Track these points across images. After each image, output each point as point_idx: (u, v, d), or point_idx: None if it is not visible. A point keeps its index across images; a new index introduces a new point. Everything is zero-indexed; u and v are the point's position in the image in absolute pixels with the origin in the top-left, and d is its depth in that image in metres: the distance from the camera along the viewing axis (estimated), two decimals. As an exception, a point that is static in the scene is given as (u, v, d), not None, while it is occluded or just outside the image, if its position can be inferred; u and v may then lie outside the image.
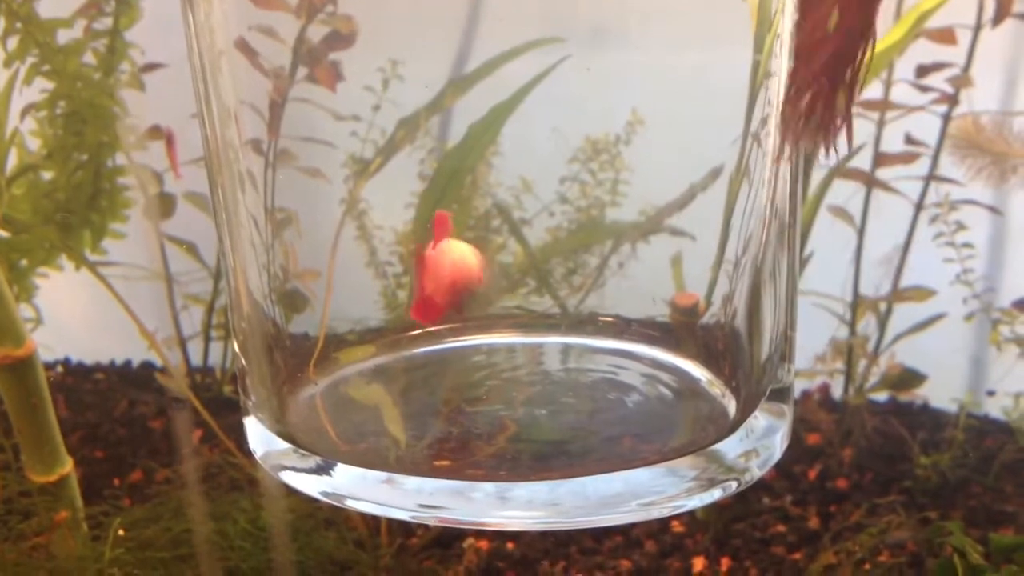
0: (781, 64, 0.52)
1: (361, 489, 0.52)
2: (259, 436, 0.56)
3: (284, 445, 0.55)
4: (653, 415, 0.55)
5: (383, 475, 0.52)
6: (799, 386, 1.05)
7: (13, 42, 0.84)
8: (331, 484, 0.53)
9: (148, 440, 1.01)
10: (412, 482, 0.52)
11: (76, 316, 1.09)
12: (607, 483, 0.50)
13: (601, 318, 0.59)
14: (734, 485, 0.51)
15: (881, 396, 1.06)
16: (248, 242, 0.56)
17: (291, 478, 0.54)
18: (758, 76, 0.52)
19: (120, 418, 1.04)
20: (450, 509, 0.51)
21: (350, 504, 0.52)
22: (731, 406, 0.53)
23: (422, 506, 0.51)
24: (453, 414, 0.56)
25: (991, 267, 1.06)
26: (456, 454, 0.53)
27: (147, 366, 1.14)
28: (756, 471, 0.52)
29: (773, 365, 0.53)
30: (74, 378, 1.12)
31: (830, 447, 0.99)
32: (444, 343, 0.59)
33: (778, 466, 0.99)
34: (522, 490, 0.51)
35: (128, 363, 1.15)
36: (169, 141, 0.96)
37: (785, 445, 0.53)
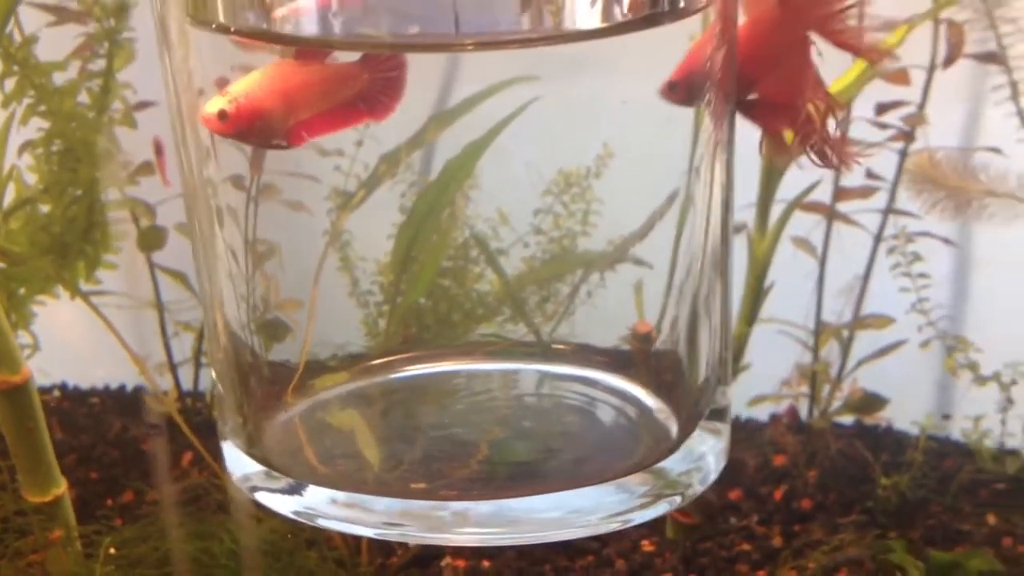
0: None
1: (330, 509, 0.56)
2: (235, 459, 0.59)
3: (258, 467, 0.58)
4: (604, 437, 0.59)
5: (351, 495, 0.56)
6: (767, 410, 1.09)
7: (10, 84, 0.87)
8: (302, 504, 0.57)
9: (140, 462, 1.04)
10: (378, 502, 0.56)
11: (72, 343, 1.13)
12: (562, 500, 0.54)
13: (565, 346, 0.62)
14: (678, 500, 0.55)
15: (847, 419, 1.10)
16: (226, 274, 0.59)
17: (264, 498, 0.58)
18: (699, 112, 0.56)
19: (113, 441, 1.08)
20: (414, 527, 0.55)
21: (320, 523, 0.56)
22: (674, 427, 0.57)
23: (387, 524, 0.55)
24: (419, 438, 0.60)
25: (956, 296, 1.10)
26: (421, 476, 0.57)
27: (140, 391, 1.18)
28: (698, 486, 0.56)
29: (711, 387, 0.57)
30: (70, 402, 1.16)
31: (796, 469, 1.03)
32: (418, 370, 0.63)
33: (745, 487, 1.03)
34: (484, 508, 0.55)
35: (122, 388, 1.19)
36: (158, 150, 1.00)
37: (723, 462, 0.57)
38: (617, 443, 0.59)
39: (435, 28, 0.53)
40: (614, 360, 0.61)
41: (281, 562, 0.84)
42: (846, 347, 1.03)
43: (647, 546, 0.97)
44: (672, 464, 0.56)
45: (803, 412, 1.08)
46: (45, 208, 0.97)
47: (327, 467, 0.59)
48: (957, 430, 1.07)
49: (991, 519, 0.98)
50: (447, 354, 0.64)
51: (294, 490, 0.56)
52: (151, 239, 1.02)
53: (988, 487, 1.02)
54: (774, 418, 1.09)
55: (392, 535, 0.55)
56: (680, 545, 0.96)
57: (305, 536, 0.87)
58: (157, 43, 0.56)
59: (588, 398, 0.60)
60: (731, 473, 1.04)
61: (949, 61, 0.92)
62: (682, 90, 0.53)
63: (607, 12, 0.50)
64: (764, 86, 0.55)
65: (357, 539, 0.91)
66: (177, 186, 1.01)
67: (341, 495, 0.55)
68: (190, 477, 0.96)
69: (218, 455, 0.92)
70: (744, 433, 1.11)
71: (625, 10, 0.51)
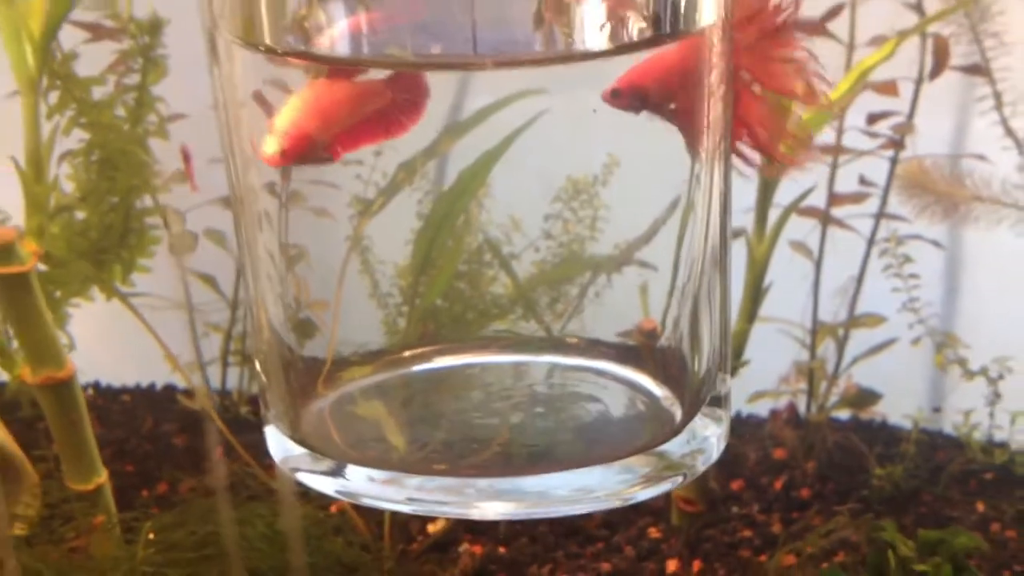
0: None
1: (367, 487, 0.61)
2: (278, 443, 0.65)
3: (301, 451, 0.64)
4: (613, 422, 0.64)
5: (386, 474, 0.61)
6: (767, 405, 1.14)
7: (53, 98, 0.93)
8: (342, 483, 0.62)
9: (172, 455, 1.10)
10: (410, 480, 0.61)
11: (103, 344, 1.18)
12: (571, 479, 0.60)
13: (577, 340, 0.67)
14: (680, 479, 0.61)
15: (843, 414, 1.15)
16: (266, 276, 0.64)
17: (305, 478, 0.63)
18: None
19: (146, 435, 1.13)
20: (442, 502, 0.60)
21: (360, 500, 0.61)
22: (678, 413, 0.62)
23: (418, 500, 0.60)
24: (444, 424, 0.65)
25: (946, 295, 1.15)
26: (446, 458, 0.63)
27: (169, 388, 1.23)
28: (699, 467, 0.61)
29: (711, 377, 0.62)
30: (103, 399, 1.21)
31: (794, 460, 1.09)
32: (440, 363, 0.68)
33: (747, 478, 1.08)
34: (503, 485, 0.60)
35: (152, 386, 1.24)
36: (186, 158, 1.05)
37: (723, 445, 0.62)
38: (625, 428, 0.64)
39: (455, 48, 0.57)
40: (622, 353, 0.66)
41: (310, 546, 0.89)
42: (841, 345, 1.08)
43: (654, 533, 1.02)
44: (675, 447, 0.61)
45: (801, 407, 1.13)
46: (80, 214, 1.02)
47: (359, 451, 0.64)
48: (948, 423, 1.12)
49: (980, 506, 1.04)
50: (464, 348, 0.69)
51: (335, 471, 0.62)
52: (183, 244, 1.07)
53: (977, 476, 1.08)
54: (774, 413, 1.14)
55: (423, 510, 0.60)
56: (685, 532, 1.01)
57: (333, 523, 0.92)
58: (207, 58, 0.60)
59: (598, 387, 0.65)
60: (733, 465, 1.10)
61: (935, 73, 0.97)
62: (624, 97, 0.57)
63: (614, 35, 0.56)
64: (683, 99, 0.60)
65: (380, 526, 0.96)
66: (204, 193, 1.07)
67: (377, 474, 0.60)
68: (223, 467, 1.01)
69: (250, 448, 0.97)
70: (745, 428, 1.16)
71: (631, 33, 0.56)
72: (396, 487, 0.61)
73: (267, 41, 0.56)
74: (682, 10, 0.56)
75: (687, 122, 0.59)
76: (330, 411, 0.66)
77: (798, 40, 0.60)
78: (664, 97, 0.58)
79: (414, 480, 0.60)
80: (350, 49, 0.58)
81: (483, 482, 0.60)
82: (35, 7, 0.81)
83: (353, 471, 0.62)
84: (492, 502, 0.60)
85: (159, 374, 1.23)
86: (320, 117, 0.58)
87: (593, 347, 0.66)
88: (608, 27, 0.56)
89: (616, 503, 0.60)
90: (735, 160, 0.62)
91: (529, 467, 0.61)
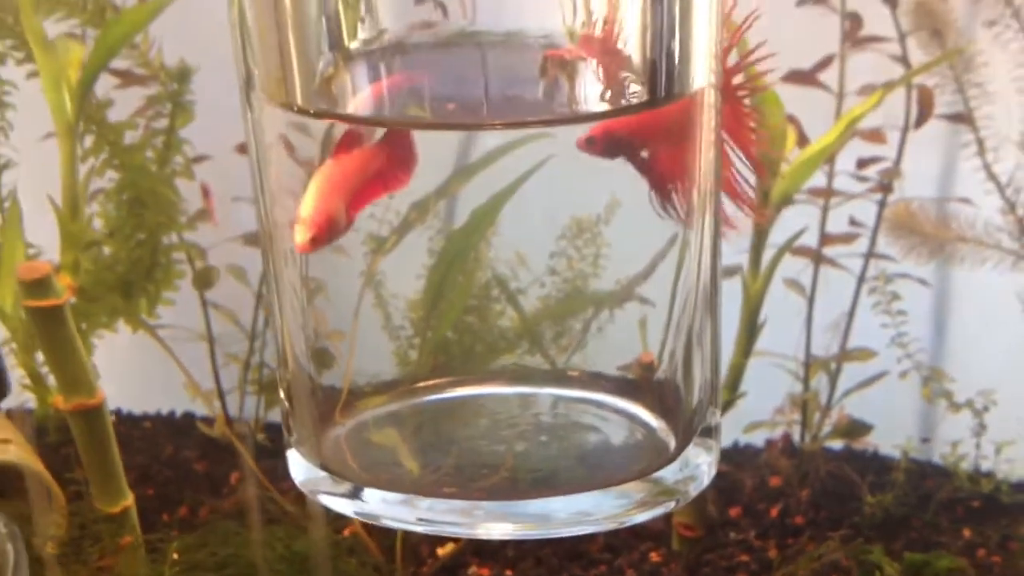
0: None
1: (382, 508, 0.66)
2: (300, 465, 0.69)
3: (320, 473, 0.68)
4: (612, 451, 0.69)
5: (399, 496, 0.66)
6: (763, 435, 1.19)
7: (88, 141, 0.98)
8: (360, 504, 0.67)
9: (192, 480, 1.15)
10: (422, 502, 0.66)
11: (122, 372, 1.22)
12: (572, 503, 0.64)
13: (579, 373, 0.72)
14: (673, 504, 0.65)
15: (836, 444, 1.19)
16: (290, 308, 0.68)
17: (325, 500, 0.68)
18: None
19: (167, 461, 1.18)
20: (452, 524, 0.65)
21: (376, 521, 0.66)
22: (672, 442, 0.67)
23: (430, 521, 0.65)
24: (453, 451, 0.70)
25: (936, 330, 1.20)
26: (456, 482, 0.67)
27: (188, 416, 1.28)
28: (691, 492, 0.66)
29: (702, 409, 0.67)
30: (125, 426, 1.26)
31: (789, 488, 1.13)
32: (450, 394, 0.72)
33: (744, 505, 1.13)
34: (508, 508, 0.65)
35: (172, 413, 1.29)
36: (206, 193, 1.10)
37: (713, 472, 0.67)
38: (622, 456, 0.68)
39: (468, 106, 0.62)
40: (621, 386, 0.71)
41: (327, 566, 0.94)
42: (833, 378, 1.13)
43: (655, 557, 1.06)
44: (669, 474, 0.65)
45: (796, 437, 1.17)
46: (107, 250, 1.07)
47: (375, 474, 0.68)
48: (937, 453, 1.17)
49: (967, 533, 1.08)
50: (473, 380, 0.73)
51: (352, 493, 0.66)
52: (205, 278, 1.12)
53: (964, 504, 1.12)
54: (769, 443, 1.18)
55: (433, 530, 0.65)
56: (684, 556, 1.05)
57: (347, 545, 0.97)
58: (240, 104, 0.64)
59: (598, 418, 0.70)
60: (731, 492, 1.14)
61: (921, 122, 1.02)
62: (598, 145, 0.62)
63: (615, 99, 0.60)
64: (653, 149, 0.64)
65: (392, 547, 1.01)
66: (227, 230, 1.12)
67: (391, 496, 0.65)
68: (243, 492, 1.06)
69: (267, 473, 1.02)
70: (743, 457, 1.20)
71: (629, 98, 0.61)
72: (409, 508, 0.65)
73: (299, 102, 0.61)
74: (676, 73, 0.61)
75: (660, 170, 0.63)
76: (347, 437, 0.70)
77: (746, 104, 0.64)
78: (636, 145, 0.62)
79: (425, 502, 0.65)
80: (373, 110, 0.63)
81: (490, 504, 0.65)
82: (74, 58, 0.87)
83: (369, 493, 0.66)
84: (498, 523, 0.64)
85: (179, 402, 1.28)
86: (337, 194, 0.62)
87: (594, 380, 0.71)
88: (609, 94, 0.60)
89: (613, 525, 0.65)
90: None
91: (533, 491, 0.65)
